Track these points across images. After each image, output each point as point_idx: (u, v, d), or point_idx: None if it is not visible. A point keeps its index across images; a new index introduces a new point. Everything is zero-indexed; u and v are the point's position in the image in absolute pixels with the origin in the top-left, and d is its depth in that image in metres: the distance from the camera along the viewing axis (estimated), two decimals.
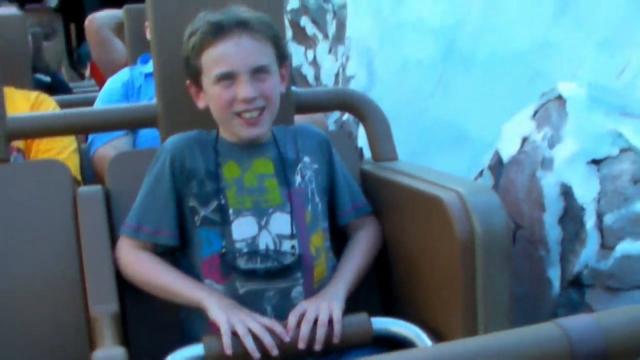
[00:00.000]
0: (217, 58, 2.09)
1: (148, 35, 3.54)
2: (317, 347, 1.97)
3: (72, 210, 2.22)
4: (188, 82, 2.20)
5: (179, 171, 2.14)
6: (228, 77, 2.08)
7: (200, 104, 2.20)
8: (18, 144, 3.07)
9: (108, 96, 3.37)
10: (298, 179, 2.19)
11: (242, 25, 2.09)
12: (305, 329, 1.97)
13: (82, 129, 2.74)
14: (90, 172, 3.27)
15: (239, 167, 2.16)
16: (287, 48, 2.24)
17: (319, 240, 2.18)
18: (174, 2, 2.35)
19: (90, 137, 3.32)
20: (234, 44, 2.08)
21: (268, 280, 2.09)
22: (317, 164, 2.24)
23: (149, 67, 3.39)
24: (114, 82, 3.44)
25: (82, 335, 2.13)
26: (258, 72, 2.09)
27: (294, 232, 2.13)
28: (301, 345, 1.96)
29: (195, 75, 2.15)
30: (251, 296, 2.08)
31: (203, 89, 2.16)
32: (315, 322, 1.99)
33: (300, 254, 2.11)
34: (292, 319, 2.00)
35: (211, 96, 2.13)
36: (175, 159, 2.14)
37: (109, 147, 3.18)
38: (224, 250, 2.09)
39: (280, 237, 2.12)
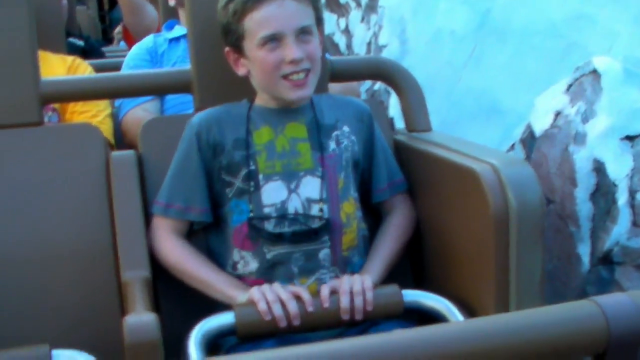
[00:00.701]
0: (261, 21, 2.07)
1: (170, 2, 3.56)
2: (358, 316, 1.99)
3: (105, 174, 2.23)
4: (227, 49, 2.18)
5: (205, 146, 2.14)
6: (273, 40, 2.07)
7: (241, 70, 2.19)
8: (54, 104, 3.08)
9: (133, 61, 3.39)
10: (332, 144, 2.19)
11: None
12: (345, 300, 1.98)
13: (115, 94, 2.73)
14: (120, 137, 3.28)
15: (273, 131, 2.16)
16: (323, 11, 2.23)
17: (350, 208, 2.18)
18: None
19: (117, 101, 3.33)
20: (278, 6, 2.07)
21: (295, 244, 2.09)
22: (356, 136, 2.23)
23: (174, 32, 3.44)
24: (138, 48, 3.46)
25: (114, 300, 2.14)
26: (302, 33, 2.09)
27: (324, 196, 2.12)
28: (345, 316, 1.98)
29: (236, 41, 2.14)
30: (278, 260, 2.09)
31: (245, 54, 2.14)
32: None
33: (329, 218, 2.11)
34: (325, 290, 2.00)
35: (255, 60, 2.12)
36: (201, 133, 2.15)
37: (139, 109, 3.20)
38: (251, 214, 2.10)
39: (310, 201, 2.12)
